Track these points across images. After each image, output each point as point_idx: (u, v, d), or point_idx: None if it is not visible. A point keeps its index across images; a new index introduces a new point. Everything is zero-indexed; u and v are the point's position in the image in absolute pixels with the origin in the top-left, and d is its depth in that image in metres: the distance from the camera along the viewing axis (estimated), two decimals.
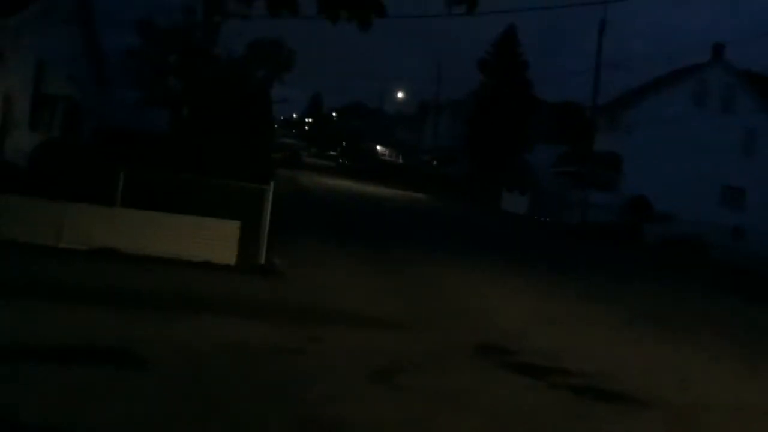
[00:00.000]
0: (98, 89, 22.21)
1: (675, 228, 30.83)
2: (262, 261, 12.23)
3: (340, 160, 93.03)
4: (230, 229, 12.01)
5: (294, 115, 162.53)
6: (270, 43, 22.18)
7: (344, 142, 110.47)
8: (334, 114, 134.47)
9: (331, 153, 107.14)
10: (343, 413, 6.14)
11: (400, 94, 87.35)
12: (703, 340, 11.86)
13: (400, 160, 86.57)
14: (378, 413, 6.29)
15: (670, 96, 40.73)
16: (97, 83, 22.12)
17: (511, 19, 53.09)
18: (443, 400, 6.87)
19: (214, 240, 11.89)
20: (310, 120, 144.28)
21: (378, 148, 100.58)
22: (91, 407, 5.55)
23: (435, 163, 67.71)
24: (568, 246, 28.24)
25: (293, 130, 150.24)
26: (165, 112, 20.90)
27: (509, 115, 49.97)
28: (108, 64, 22.55)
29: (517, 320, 11.28)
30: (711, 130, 38.81)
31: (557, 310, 12.73)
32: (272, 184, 12.44)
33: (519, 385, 7.81)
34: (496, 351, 9.06)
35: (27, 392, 5.66)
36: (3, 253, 10.78)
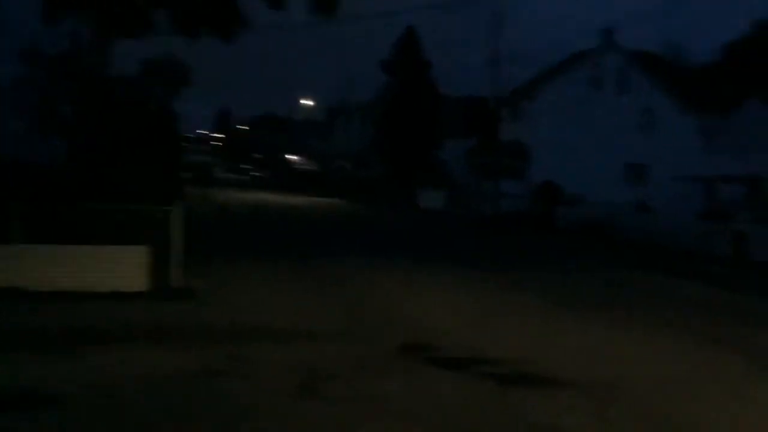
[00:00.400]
0: None
1: (584, 210, 31.77)
2: (176, 284, 11.88)
3: (254, 173, 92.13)
4: (137, 255, 11.60)
5: (203, 131, 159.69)
6: (164, 61, 21.65)
7: (257, 155, 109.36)
8: (244, 127, 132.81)
9: (245, 167, 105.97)
10: (266, 428, 6.02)
11: (308, 102, 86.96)
12: (615, 316, 12.21)
13: (315, 168, 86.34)
14: (300, 426, 6.21)
15: (567, 82, 42.09)
16: None
17: (412, 19, 53.85)
18: (368, 405, 6.83)
19: (122, 267, 11.47)
20: (220, 135, 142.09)
21: (292, 157, 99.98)
22: None
23: (349, 167, 67.80)
24: (480, 237, 28.71)
25: (203, 147, 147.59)
26: (61, 142, 20.12)
27: (417, 114, 50.50)
28: None
29: (438, 317, 11.34)
30: (610, 111, 40.37)
31: (474, 303, 12.89)
32: (178, 204, 12.09)
33: (443, 380, 7.85)
34: (420, 350, 9.09)
35: None
36: None
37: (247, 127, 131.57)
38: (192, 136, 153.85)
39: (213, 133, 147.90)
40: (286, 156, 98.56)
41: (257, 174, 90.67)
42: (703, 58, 49.06)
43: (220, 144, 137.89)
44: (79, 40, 18.98)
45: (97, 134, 18.34)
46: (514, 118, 43.96)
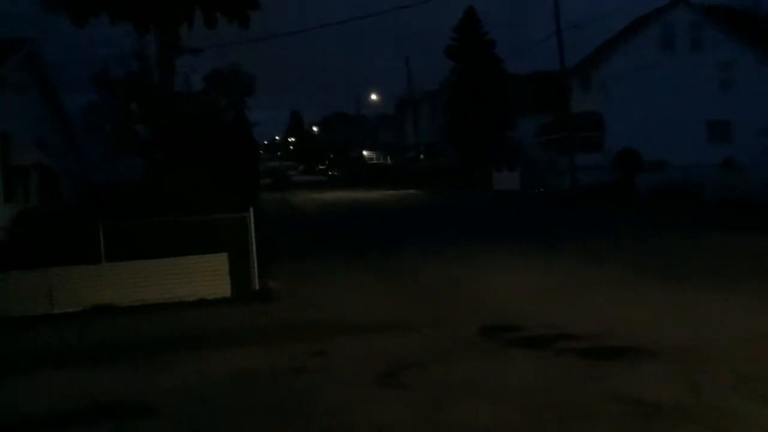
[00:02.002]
0: (68, 149, 22.17)
1: (667, 174, 30.66)
2: (257, 287, 12.15)
3: (330, 173, 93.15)
4: (218, 263, 11.94)
5: (276, 138, 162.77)
6: (227, 71, 22.14)
7: (331, 154, 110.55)
8: (315, 128, 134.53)
9: (320, 167, 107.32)
10: (351, 420, 6.10)
11: (374, 96, 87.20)
12: (698, 281, 11.69)
13: (389, 161, 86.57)
14: (386, 414, 6.23)
15: (639, 45, 40.64)
16: (66, 144, 22.08)
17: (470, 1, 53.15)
18: (451, 390, 6.81)
19: (204, 276, 11.83)
20: (292, 139, 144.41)
21: (365, 153, 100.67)
22: None
23: (422, 157, 67.66)
24: (556, 213, 28.13)
25: (278, 153, 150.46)
26: (138, 161, 20.87)
27: (485, 96, 49.86)
28: (72, 123, 22.51)
29: (516, 297, 11.19)
30: (685, 70, 38.75)
31: (552, 280, 12.65)
32: (253, 210, 12.34)
33: (525, 359, 7.74)
34: (501, 331, 8.99)
35: None
36: None
37: (318, 129, 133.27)
38: (267, 143, 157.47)
39: (287, 137, 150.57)
40: (360, 153, 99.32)
41: (332, 173, 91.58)
42: None
43: (295, 147, 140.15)
44: (145, 60, 19.64)
45: (172, 150, 18.92)
46: (585, 89, 42.81)
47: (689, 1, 41.92)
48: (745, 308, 9.52)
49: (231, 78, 22.42)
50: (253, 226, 12.35)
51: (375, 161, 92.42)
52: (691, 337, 8.17)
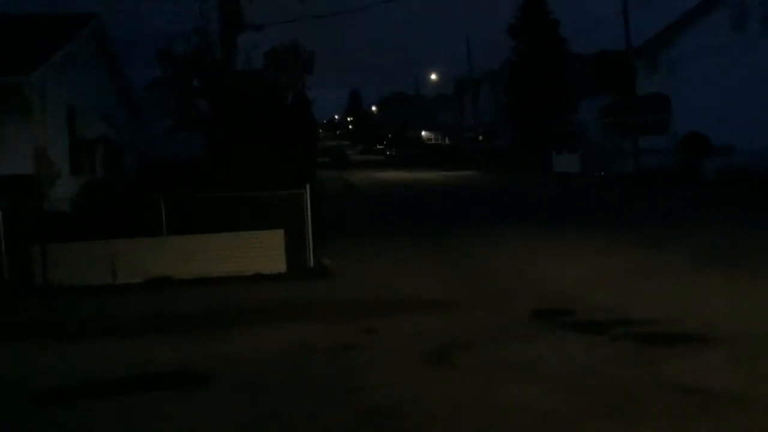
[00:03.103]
0: (132, 124, 22.69)
1: (736, 158, 29.66)
2: (311, 264, 12.28)
3: (388, 152, 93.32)
4: (274, 238, 12.11)
5: (336, 117, 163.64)
6: (287, 48, 22.22)
7: (389, 134, 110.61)
8: (374, 108, 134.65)
9: (378, 147, 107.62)
10: (400, 398, 6.11)
11: (433, 76, 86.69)
12: (760, 268, 11.28)
13: (447, 142, 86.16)
14: (435, 393, 6.23)
15: (708, 25, 39.21)
16: (129, 118, 22.62)
17: None
18: (501, 371, 6.77)
19: (261, 251, 12.02)
20: (351, 119, 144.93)
21: (423, 134, 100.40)
22: (161, 426, 5.78)
23: (481, 138, 67.08)
24: (620, 197, 27.53)
25: (337, 132, 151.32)
26: (199, 136, 21.23)
27: (547, 76, 48.95)
28: (136, 98, 23.01)
29: (570, 280, 11.02)
30: (756, 51, 37.29)
31: (615, 264, 12.40)
32: (308, 188, 12.45)
33: (579, 343, 7.64)
34: (555, 314, 8.89)
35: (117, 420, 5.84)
36: (62, 298, 11.12)
37: (377, 108, 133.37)
38: (326, 122, 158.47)
39: (346, 116, 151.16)
40: (419, 133, 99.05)
41: (390, 153, 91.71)
42: None
43: (353, 127, 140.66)
44: (207, 37, 19.90)
45: (233, 126, 19.22)
46: (651, 70, 41.59)
47: None
48: None
49: (290, 55, 22.52)
50: (309, 204, 12.46)
51: (433, 142, 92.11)
52: (749, 325, 7.92)
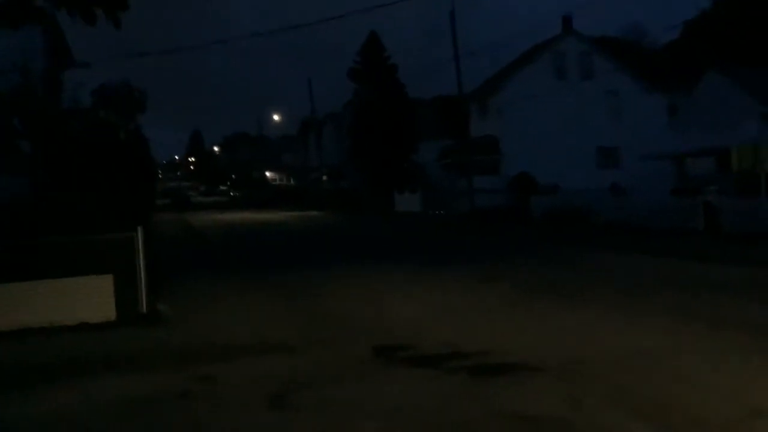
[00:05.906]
0: None
1: (559, 198, 31.80)
2: (144, 310, 11.69)
3: (232, 194, 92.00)
4: (102, 284, 11.40)
5: (176, 157, 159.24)
6: (118, 86, 21.39)
7: (233, 175, 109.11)
8: (216, 148, 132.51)
9: (222, 188, 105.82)
10: None
11: (276, 117, 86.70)
12: (585, 298, 12.13)
13: (292, 183, 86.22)
14: None
15: (532, 73, 42.23)
16: None
17: (374, 24, 53.73)
18: (340, 410, 6.72)
19: (88, 298, 11.27)
20: (193, 159, 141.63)
21: (268, 174, 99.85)
22: None
23: (325, 178, 67.69)
24: (452, 236, 28.62)
25: (178, 173, 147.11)
26: (24, 178, 19.82)
27: (388, 119, 50.34)
28: None
29: (411, 317, 11.24)
30: (576, 98, 40.54)
31: (446, 300, 12.80)
32: (140, 230, 11.89)
33: (416, 377, 7.75)
34: (394, 350, 8.98)
35: None
36: None
37: (219, 149, 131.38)
38: (166, 162, 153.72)
39: (187, 156, 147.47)
40: (262, 173, 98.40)
41: (234, 194, 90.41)
42: (666, 37, 49.54)
43: (195, 167, 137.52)
44: (28, 74, 18.72)
45: (59, 167, 18.10)
46: (483, 114, 44.07)
47: (579, 32, 43.96)
48: (619, 325, 9.95)
49: (122, 93, 21.66)
50: (141, 247, 11.89)
51: (278, 183, 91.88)
52: (574, 353, 8.39)
